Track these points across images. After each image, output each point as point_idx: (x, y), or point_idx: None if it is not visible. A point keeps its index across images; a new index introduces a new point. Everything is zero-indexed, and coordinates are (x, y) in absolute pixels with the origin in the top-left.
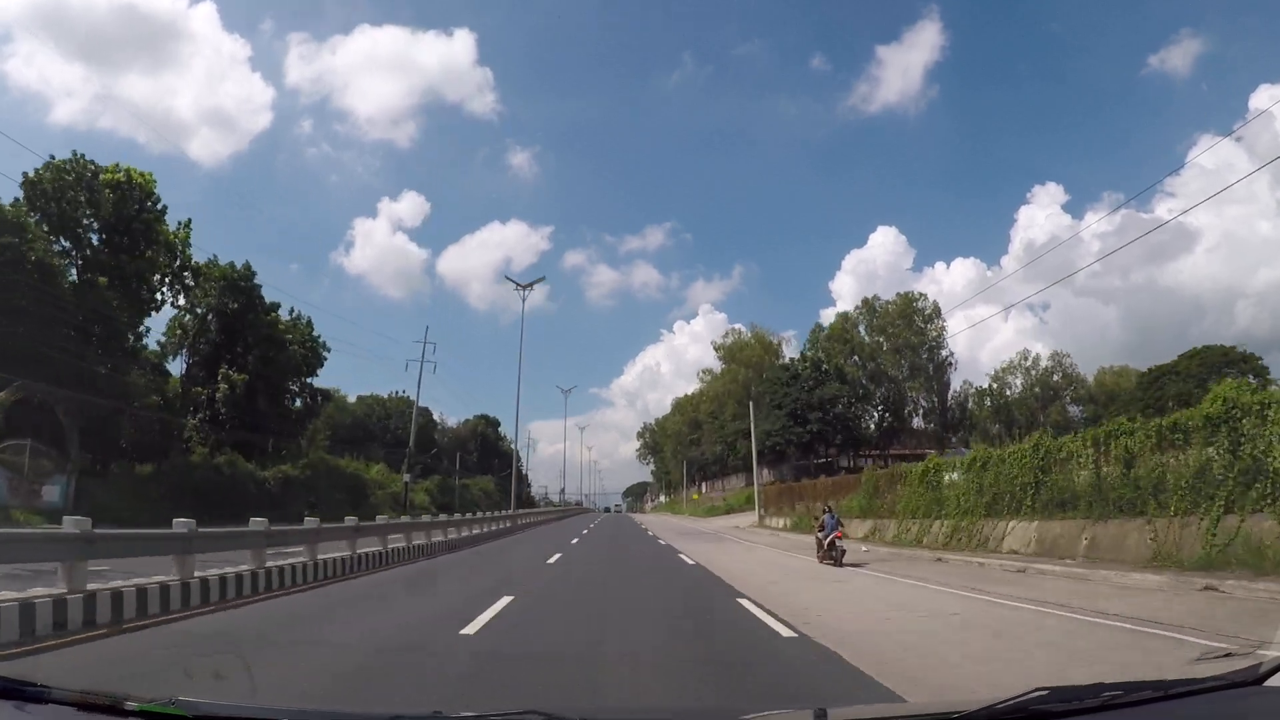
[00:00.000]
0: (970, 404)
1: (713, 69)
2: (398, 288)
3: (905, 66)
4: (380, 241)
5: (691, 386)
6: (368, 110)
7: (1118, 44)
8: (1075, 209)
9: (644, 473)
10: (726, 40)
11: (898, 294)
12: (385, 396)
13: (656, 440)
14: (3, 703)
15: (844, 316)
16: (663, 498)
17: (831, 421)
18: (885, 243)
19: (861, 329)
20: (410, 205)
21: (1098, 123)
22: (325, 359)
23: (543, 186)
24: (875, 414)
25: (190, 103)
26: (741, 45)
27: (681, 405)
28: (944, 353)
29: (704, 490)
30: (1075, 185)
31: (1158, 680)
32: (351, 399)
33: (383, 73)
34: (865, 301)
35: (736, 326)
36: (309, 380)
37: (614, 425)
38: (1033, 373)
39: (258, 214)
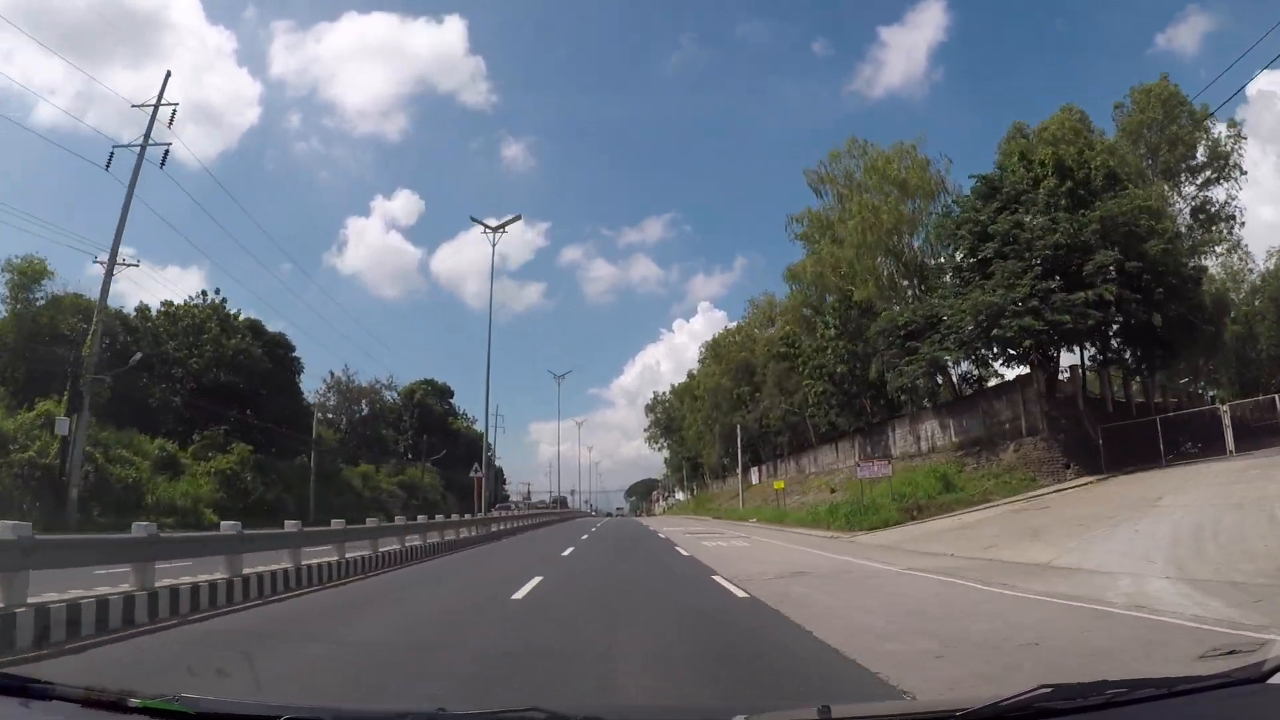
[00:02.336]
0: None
1: (712, 53)
2: (392, 287)
3: (909, 48)
4: (373, 240)
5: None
6: (357, 102)
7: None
8: None
9: (650, 468)
10: (725, 24)
11: (1132, 88)
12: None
13: (672, 414)
14: (8, 700)
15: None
16: (679, 495)
17: (1134, 281)
18: None
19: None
20: (402, 201)
21: (1106, 104)
22: None
23: (538, 180)
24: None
25: (176, 98)
26: (741, 28)
27: (722, 347)
28: (1227, 186)
29: (760, 478)
30: None
31: (1162, 678)
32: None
33: (372, 62)
34: (1066, 109)
35: (856, 138)
36: None
37: (615, 425)
38: (1244, 281)
39: (249, 213)
